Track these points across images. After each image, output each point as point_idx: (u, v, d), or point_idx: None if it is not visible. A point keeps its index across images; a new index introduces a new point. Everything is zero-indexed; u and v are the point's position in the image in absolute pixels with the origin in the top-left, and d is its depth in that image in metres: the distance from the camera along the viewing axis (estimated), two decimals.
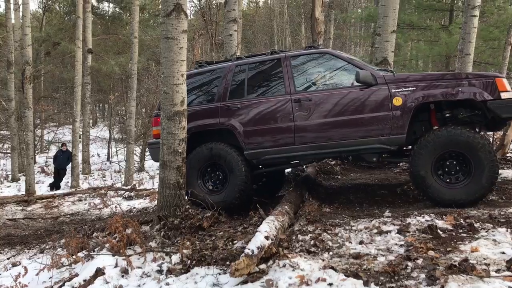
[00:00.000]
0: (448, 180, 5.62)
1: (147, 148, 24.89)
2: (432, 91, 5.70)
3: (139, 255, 4.81)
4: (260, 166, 6.82)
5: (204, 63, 7.21)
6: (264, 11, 41.81)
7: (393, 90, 5.80)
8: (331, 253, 4.23)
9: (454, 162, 5.61)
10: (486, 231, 4.40)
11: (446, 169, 5.64)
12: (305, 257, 4.10)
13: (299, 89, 6.27)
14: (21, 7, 17.66)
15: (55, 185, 17.49)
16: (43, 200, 12.50)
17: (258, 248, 4.00)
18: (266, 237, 4.24)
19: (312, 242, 4.49)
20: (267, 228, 4.46)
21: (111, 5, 29.01)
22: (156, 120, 6.80)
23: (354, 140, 5.93)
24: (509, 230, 4.33)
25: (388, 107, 5.80)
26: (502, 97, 5.50)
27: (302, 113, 6.13)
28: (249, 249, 3.95)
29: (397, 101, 5.76)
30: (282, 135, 6.22)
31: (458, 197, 5.49)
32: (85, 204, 11.54)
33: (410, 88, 5.76)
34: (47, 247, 6.50)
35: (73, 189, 15.62)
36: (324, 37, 14.88)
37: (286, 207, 5.64)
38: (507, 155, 8.64)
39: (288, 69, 6.38)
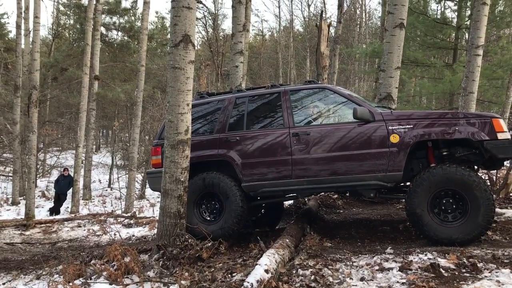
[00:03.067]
0: (444, 218, 5.57)
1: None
2: (430, 130, 5.72)
3: (137, 285, 4.76)
4: (258, 198, 6.79)
5: (205, 94, 7.25)
6: (270, 44, 42.46)
7: (390, 128, 5.82)
8: None
9: (451, 200, 5.59)
10: (489, 272, 4.33)
11: (443, 207, 5.60)
12: None
13: (297, 123, 6.32)
14: (31, 33, 17.97)
15: (54, 210, 17.38)
16: (42, 225, 12.41)
17: (257, 281, 3.94)
18: (266, 271, 4.19)
19: (312, 277, 4.43)
20: (267, 261, 4.41)
21: (119, 33, 29.48)
22: (156, 149, 6.82)
23: (351, 176, 5.94)
24: None
25: (385, 144, 5.81)
26: (499, 138, 5.53)
27: (300, 147, 6.15)
28: (248, 282, 3.90)
29: (394, 139, 5.77)
30: (279, 169, 6.22)
31: (454, 235, 5.43)
32: (84, 230, 11.45)
33: (408, 126, 5.77)
34: (44, 273, 6.42)
35: (73, 215, 15.49)
36: (329, 71, 15.03)
37: (287, 240, 5.59)
38: (511, 194, 8.56)
39: (287, 103, 6.42)
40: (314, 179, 6.09)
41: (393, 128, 5.81)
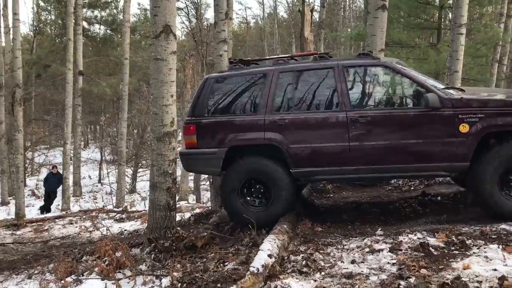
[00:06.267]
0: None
1: (139, 169, 24.83)
2: (505, 120, 5.24)
3: (129, 279, 4.75)
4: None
5: (239, 63, 6.45)
6: (255, 31, 42.29)
7: (460, 116, 5.31)
8: (323, 273, 4.18)
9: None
10: (477, 248, 4.38)
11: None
12: (297, 278, 4.06)
13: (354, 105, 5.74)
14: (11, 30, 17.70)
15: (45, 208, 17.27)
16: (33, 224, 12.32)
17: (262, 266, 3.97)
18: (269, 255, 4.23)
19: (304, 262, 4.45)
20: (269, 246, 4.45)
21: (102, 27, 29.21)
22: (189, 128, 6.12)
23: (413, 165, 5.55)
24: (500, 246, 4.31)
25: (453, 134, 5.34)
26: None
27: (358, 133, 5.62)
28: (254, 267, 3.92)
29: (464, 128, 5.29)
30: (335, 155, 5.72)
31: None
32: (76, 227, 11.39)
33: (479, 115, 5.27)
34: (36, 272, 6.38)
35: (64, 212, 15.41)
36: None
37: (285, 226, 5.56)
38: None
39: (341, 81, 5.76)
40: (372, 167, 5.68)
41: (463, 117, 5.31)
